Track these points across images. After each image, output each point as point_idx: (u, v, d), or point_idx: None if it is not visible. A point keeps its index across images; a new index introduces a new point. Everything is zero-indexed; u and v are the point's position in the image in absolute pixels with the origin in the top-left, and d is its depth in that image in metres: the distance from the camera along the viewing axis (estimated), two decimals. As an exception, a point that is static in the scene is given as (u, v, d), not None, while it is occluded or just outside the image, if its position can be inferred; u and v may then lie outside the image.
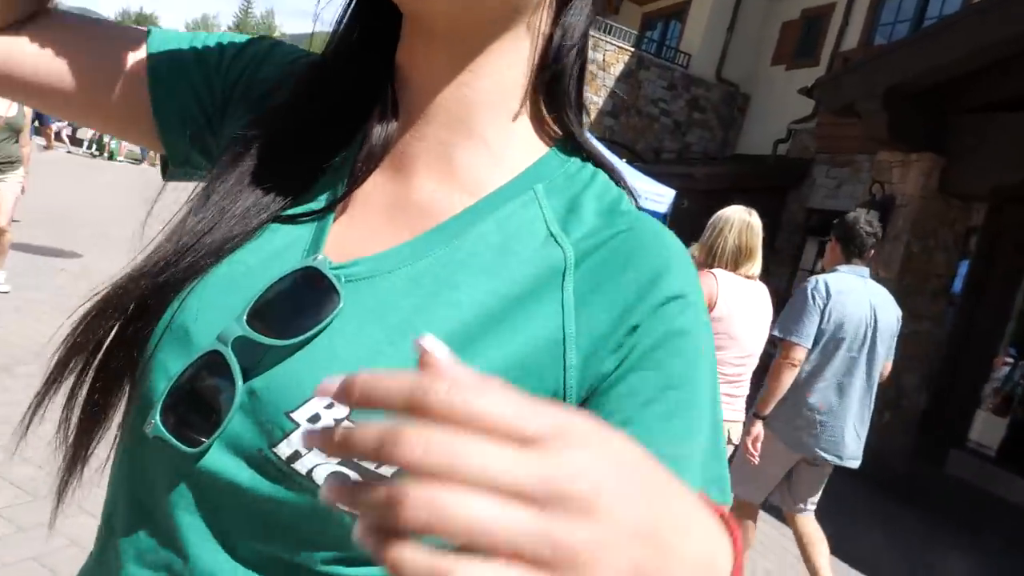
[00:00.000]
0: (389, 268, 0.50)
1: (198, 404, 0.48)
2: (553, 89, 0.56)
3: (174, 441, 0.48)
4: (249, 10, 64.13)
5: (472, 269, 0.50)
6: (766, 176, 10.59)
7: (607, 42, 12.04)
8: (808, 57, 11.44)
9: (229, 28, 64.42)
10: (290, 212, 0.54)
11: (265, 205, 0.53)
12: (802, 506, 3.39)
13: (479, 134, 0.54)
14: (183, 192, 0.58)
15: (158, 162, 0.68)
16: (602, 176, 0.58)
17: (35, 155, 6.77)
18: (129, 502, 0.52)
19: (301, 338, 0.47)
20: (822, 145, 9.76)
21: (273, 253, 0.52)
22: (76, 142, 20.53)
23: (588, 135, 0.60)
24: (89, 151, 19.90)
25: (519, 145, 0.56)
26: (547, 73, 0.55)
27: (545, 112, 0.57)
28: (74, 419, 0.53)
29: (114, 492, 0.54)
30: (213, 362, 0.48)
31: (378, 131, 0.55)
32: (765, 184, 10.23)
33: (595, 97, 12.00)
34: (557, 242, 0.52)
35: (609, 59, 12.08)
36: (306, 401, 0.46)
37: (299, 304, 0.49)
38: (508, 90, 0.54)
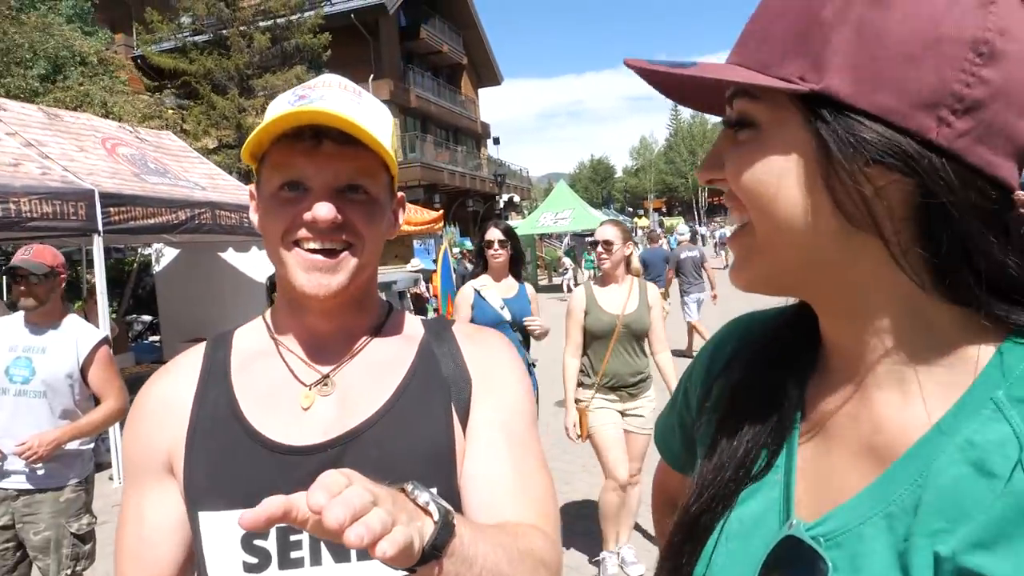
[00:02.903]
0: (860, 519, 0.52)
1: None
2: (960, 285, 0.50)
3: None
4: (679, 116, 68.76)
5: (943, 513, 0.48)
6: None
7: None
8: None
9: (667, 140, 69.54)
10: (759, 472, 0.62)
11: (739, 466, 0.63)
12: None
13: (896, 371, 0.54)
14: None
15: None
16: None
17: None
18: None
19: None
20: None
21: (756, 518, 0.61)
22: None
23: None
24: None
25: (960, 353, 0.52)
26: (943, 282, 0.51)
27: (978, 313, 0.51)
28: None
29: None
30: None
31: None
32: None
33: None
34: None
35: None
36: None
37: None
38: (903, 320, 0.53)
